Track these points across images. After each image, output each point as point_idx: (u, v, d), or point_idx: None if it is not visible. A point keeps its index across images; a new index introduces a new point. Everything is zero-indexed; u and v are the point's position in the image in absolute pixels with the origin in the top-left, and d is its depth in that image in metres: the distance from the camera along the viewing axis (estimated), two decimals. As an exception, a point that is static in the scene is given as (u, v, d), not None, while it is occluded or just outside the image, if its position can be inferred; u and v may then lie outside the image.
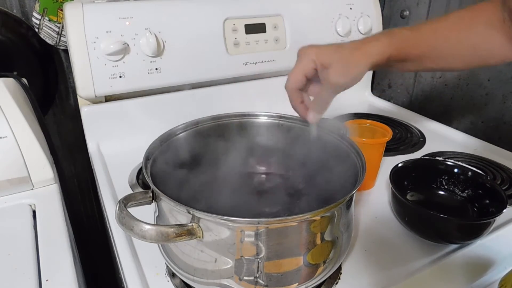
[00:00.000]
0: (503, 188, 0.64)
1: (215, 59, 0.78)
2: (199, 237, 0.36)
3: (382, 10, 0.99)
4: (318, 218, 0.37)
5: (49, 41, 0.79)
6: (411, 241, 0.52)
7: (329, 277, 0.44)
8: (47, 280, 0.44)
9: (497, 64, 0.50)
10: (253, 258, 0.37)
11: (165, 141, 0.49)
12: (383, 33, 0.49)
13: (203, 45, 0.76)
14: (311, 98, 0.51)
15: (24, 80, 0.69)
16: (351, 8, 0.91)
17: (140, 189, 0.62)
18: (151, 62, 0.72)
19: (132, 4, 0.70)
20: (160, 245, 0.43)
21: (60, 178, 0.64)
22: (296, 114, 0.51)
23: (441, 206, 0.58)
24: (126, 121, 0.74)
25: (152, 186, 0.39)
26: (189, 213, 0.36)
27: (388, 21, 1.08)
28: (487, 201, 0.54)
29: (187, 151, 0.51)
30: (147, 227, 0.34)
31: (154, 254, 0.45)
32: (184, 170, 0.50)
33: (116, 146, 0.73)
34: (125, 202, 0.38)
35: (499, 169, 0.70)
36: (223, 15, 0.78)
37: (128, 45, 0.69)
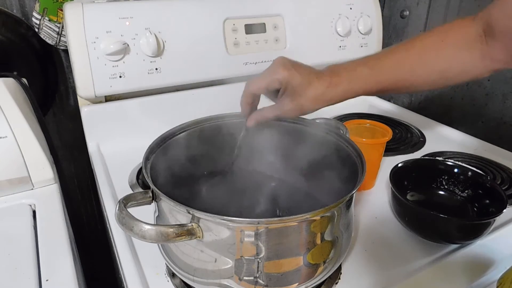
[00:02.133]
0: (503, 188, 0.64)
1: (215, 59, 0.78)
2: (199, 237, 0.36)
3: (382, 10, 0.99)
4: (318, 218, 0.37)
5: (49, 41, 0.79)
6: (411, 241, 0.52)
7: (329, 277, 0.44)
8: (47, 280, 0.44)
9: (470, 80, 0.50)
10: (253, 258, 0.37)
11: (165, 141, 0.49)
12: (345, 67, 0.48)
13: (203, 45, 0.76)
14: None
15: (24, 80, 0.69)
16: (351, 8, 0.91)
17: (140, 189, 0.62)
18: (151, 62, 0.72)
19: (132, 4, 0.70)
20: (160, 245, 0.43)
21: (60, 178, 0.64)
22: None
23: (441, 206, 0.58)
24: (126, 121, 0.74)
25: (152, 186, 0.39)
26: (189, 213, 0.36)
27: (388, 21, 1.08)
28: (487, 201, 0.54)
29: (187, 151, 0.51)
30: (147, 227, 0.34)
31: (154, 254, 0.45)
32: (184, 170, 0.50)
33: (116, 146, 0.73)
34: (125, 202, 0.38)
35: (499, 169, 0.70)
36: (223, 15, 0.78)
37: (128, 45, 0.69)
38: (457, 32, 0.48)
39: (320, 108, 0.48)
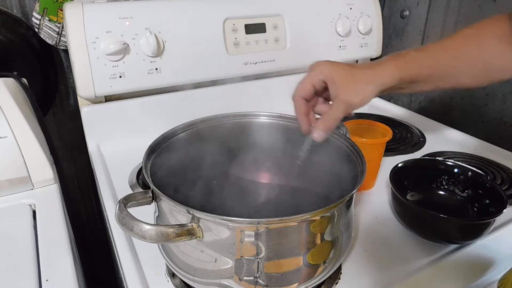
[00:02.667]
0: (503, 188, 0.64)
1: (215, 59, 0.78)
2: (199, 237, 0.36)
3: (382, 10, 0.99)
4: (318, 218, 0.37)
5: (49, 41, 0.79)
6: (411, 241, 0.52)
7: (329, 277, 0.44)
8: (47, 280, 0.44)
9: (510, 78, 0.49)
10: (253, 258, 0.37)
11: (165, 141, 0.48)
12: (391, 56, 0.48)
13: (203, 45, 0.76)
14: (317, 116, 0.50)
15: (24, 80, 0.69)
16: (351, 8, 0.91)
17: (140, 189, 0.62)
18: (151, 62, 0.72)
19: (132, 4, 0.70)
20: (160, 245, 0.43)
21: (60, 178, 0.64)
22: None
23: (441, 206, 0.58)
24: (126, 121, 0.74)
25: (152, 186, 0.39)
26: (189, 213, 0.36)
27: (388, 21, 1.08)
28: (487, 201, 0.54)
29: (187, 151, 0.51)
30: (147, 227, 0.34)
31: (154, 254, 0.45)
32: (184, 170, 0.50)
33: (116, 146, 0.73)
34: (125, 202, 0.38)
35: (499, 169, 0.70)
36: (223, 15, 0.78)
37: (128, 45, 0.69)
38: (496, 26, 0.48)
39: (375, 85, 0.45)
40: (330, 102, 0.48)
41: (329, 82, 0.46)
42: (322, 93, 0.48)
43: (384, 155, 0.64)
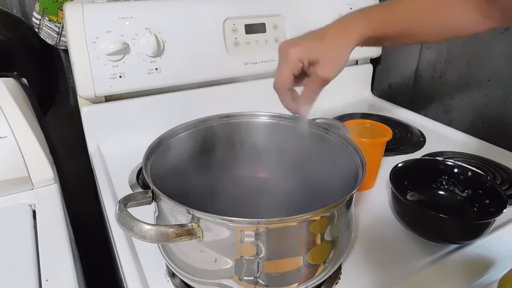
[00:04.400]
0: (503, 188, 0.64)
1: (215, 59, 0.78)
2: (199, 237, 0.36)
3: (382, 10, 0.99)
4: (318, 218, 0.37)
5: (49, 41, 0.79)
6: (411, 241, 0.52)
7: (329, 277, 0.44)
8: (47, 280, 0.44)
9: (468, 36, 0.51)
10: (253, 258, 0.37)
11: (165, 141, 0.48)
12: (359, 13, 0.50)
13: (203, 45, 0.76)
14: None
15: (24, 80, 0.69)
16: (351, 8, 0.91)
17: (140, 189, 0.62)
18: (151, 62, 0.72)
19: (132, 4, 0.70)
20: (160, 245, 0.43)
21: (60, 178, 0.64)
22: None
23: (441, 206, 0.58)
24: (126, 121, 0.74)
25: (152, 186, 0.39)
26: (189, 213, 0.36)
27: (388, 21, 1.08)
28: (487, 201, 0.54)
29: (187, 151, 0.51)
30: (147, 227, 0.34)
31: (154, 254, 0.45)
32: (184, 170, 0.50)
33: (116, 146, 0.73)
34: (125, 202, 0.38)
35: (499, 169, 0.70)
36: (223, 15, 0.78)
37: (128, 45, 0.69)
38: None
39: (349, 52, 0.47)
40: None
41: (306, 65, 0.46)
42: (301, 73, 0.49)
43: (384, 155, 0.64)
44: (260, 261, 0.37)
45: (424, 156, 0.75)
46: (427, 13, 0.50)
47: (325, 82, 0.47)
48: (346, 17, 0.49)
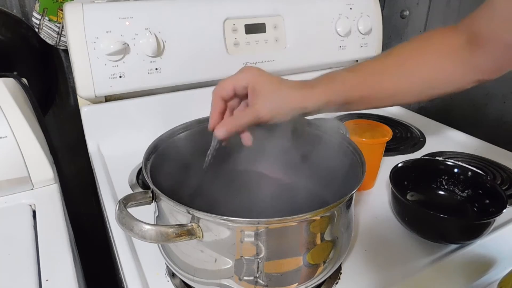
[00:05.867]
0: (503, 188, 0.64)
1: (215, 59, 0.78)
2: (199, 237, 0.36)
3: (382, 10, 0.99)
4: (318, 218, 0.37)
5: (49, 41, 0.79)
6: (411, 241, 0.52)
7: (329, 277, 0.44)
8: (47, 280, 0.44)
9: (453, 93, 0.47)
10: (253, 258, 0.37)
11: (165, 141, 0.49)
12: (324, 76, 0.46)
13: (203, 45, 0.76)
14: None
15: (24, 80, 0.69)
16: (351, 8, 0.91)
17: (140, 189, 0.62)
18: (151, 62, 0.72)
19: (132, 4, 0.70)
20: (160, 245, 0.43)
21: (60, 178, 0.64)
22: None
23: (441, 206, 0.58)
24: (126, 121, 0.74)
25: (152, 186, 0.39)
26: (189, 213, 0.36)
27: (388, 21, 1.08)
28: (487, 201, 0.54)
29: (187, 151, 0.51)
30: (147, 227, 0.34)
31: (154, 254, 0.45)
32: (184, 170, 0.50)
33: (116, 146, 0.73)
34: (125, 202, 0.38)
35: (499, 169, 0.70)
36: (223, 15, 0.78)
37: (128, 45, 0.69)
38: (438, 41, 0.46)
39: (295, 114, 0.44)
40: None
41: (250, 90, 0.44)
42: (245, 97, 0.46)
43: (384, 155, 0.64)
44: (260, 261, 0.37)
45: (424, 156, 0.75)
46: (397, 68, 0.46)
47: (257, 118, 0.43)
48: (310, 80, 0.45)
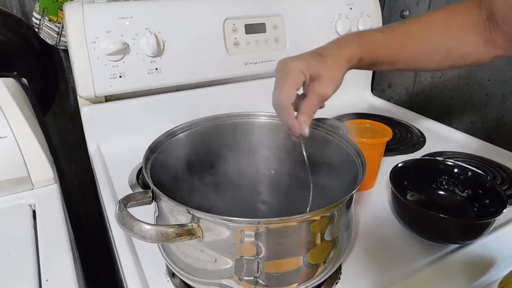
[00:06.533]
0: (503, 188, 0.64)
1: (215, 59, 0.78)
2: (199, 237, 0.36)
3: (382, 10, 0.99)
4: (318, 218, 0.37)
5: (49, 41, 0.79)
6: (411, 241, 0.52)
7: (329, 277, 0.44)
8: (47, 280, 0.44)
9: (471, 65, 0.50)
10: (253, 258, 0.37)
11: (165, 141, 0.49)
12: (355, 35, 0.49)
13: (203, 45, 0.76)
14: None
15: (24, 80, 0.69)
16: (351, 8, 0.91)
17: (140, 189, 0.62)
18: (151, 62, 0.72)
19: (132, 4, 0.70)
20: (160, 245, 0.43)
21: (60, 178, 0.64)
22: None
23: (441, 206, 0.58)
24: (126, 121, 0.74)
25: (152, 186, 0.39)
26: (189, 213, 0.36)
27: (388, 21, 1.08)
28: (487, 201, 0.54)
29: (187, 151, 0.51)
30: (147, 227, 0.34)
31: (154, 254, 0.45)
32: (184, 170, 0.50)
33: (116, 146, 0.73)
34: (125, 202, 0.38)
35: (499, 169, 0.70)
36: (223, 15, 0.78)
37: (128, 45, 0.69)
38: (464, 14, 0.49)
39: (344, 72, 0.47)
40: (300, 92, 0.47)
41: (307, 81, 0.45)
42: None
43: (384, 155, 0.64)
44: (260, 261, 0.37)
45: (424, 156, 0.75)
46: (424, 35, 0.49)
47: (324, 99, 0.46)
48: (341, 38, 0.49)
